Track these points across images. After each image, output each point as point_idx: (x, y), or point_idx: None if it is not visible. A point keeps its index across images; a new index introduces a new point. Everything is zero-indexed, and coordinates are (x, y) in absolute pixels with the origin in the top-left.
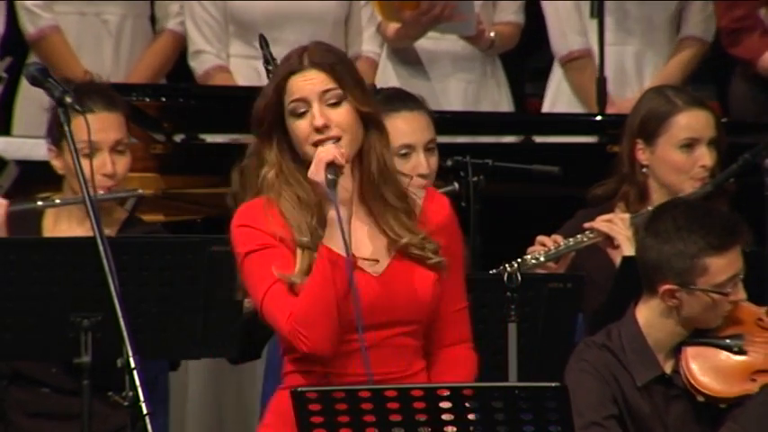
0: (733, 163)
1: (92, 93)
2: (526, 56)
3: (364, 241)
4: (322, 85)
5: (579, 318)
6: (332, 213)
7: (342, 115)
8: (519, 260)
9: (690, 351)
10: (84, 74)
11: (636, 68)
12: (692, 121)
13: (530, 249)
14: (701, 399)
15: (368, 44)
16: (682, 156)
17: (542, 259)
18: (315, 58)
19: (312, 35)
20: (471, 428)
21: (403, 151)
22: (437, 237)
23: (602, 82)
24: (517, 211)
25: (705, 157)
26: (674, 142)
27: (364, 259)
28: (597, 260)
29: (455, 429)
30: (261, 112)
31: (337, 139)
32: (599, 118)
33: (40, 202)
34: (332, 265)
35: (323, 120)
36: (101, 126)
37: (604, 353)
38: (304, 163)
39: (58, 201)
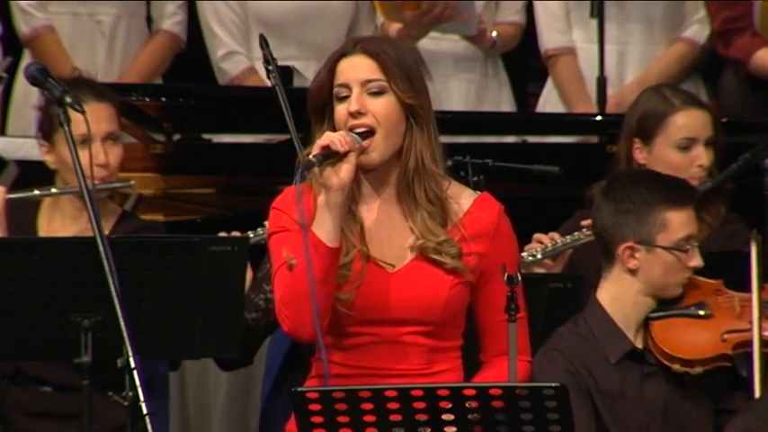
0: (733, 163)
1: (81, 86)
2: (529, 55)
3: (390, 236)
4: (366, 72)
5: None
6: (320, 198)
7: (380, 106)
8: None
9: (657, 324)
10: (73, 70)
11: (634, 68)
12: (689, 121)
13: (527, 247)
14: (676, 366)
15: None
16: (679, 155)
17: (539, 256)
18: (366, 45)
19: (332, 34)
20: (471, 428)
21: None
22: (473, 243)
23: (602, 82)
24: (517, 211)
25: (702, 156)
26: (671, 142)
27: (381, 261)
28: (596, 261)
29: (455, 430)
30: (312, 95)
31: (370, 130)
32: (599, 118)
33: (36, 191)
34: (314, 249)
35: (357, 105)
36: (91, 117)
37: (573, 337)
38: None
39: (54, 190)
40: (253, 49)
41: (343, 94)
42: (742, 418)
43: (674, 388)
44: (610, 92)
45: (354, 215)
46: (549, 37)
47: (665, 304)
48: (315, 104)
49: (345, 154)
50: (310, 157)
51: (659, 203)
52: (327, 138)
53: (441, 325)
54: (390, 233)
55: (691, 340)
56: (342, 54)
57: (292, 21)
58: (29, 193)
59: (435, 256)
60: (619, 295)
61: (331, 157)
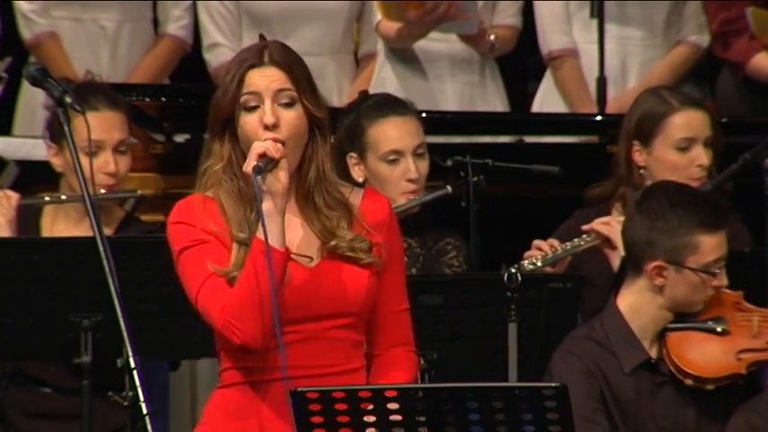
0: (732, 163)
1: (96, 92)
2: (528, 56)
3: (299, 240)
4: (278, 83)
5: (579, 318)
6: (265, 205)
7: (291, 118)
8: (516, 266)
9: (673, 336)
10: (86, 73)
11: (636, 69)
12: (687, 121)
13: (527, 254)
14: (688, 382)
15: (381, 43)
16: (678, 156)
17: (539, 264)
18: (275, 56)
19: (326, 32)
20: (471, 428)
21: (392, 157)
22: (374, 234)
23: (602, 82)
24: (517, 211)
25: (702, 156)
26: (670, 143)
27: (300, 255)
28: (595, 262)
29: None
30: (218, 106)
31: (282, 143)
32: (599, 118)
33: (47, 197)
34: (264, 256)
35: (274, 118)
36: (105, 125)
37: (589, 343)
38: (246, 158)
39: (63, 197)
40: (244, 44)
41: (252, 104)
42: (744, 416)
43: (686, 399)
44: (611, 92)
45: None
46: (554, 38)
47: (683, 317)
48: (221, 115)
49: (279, 160)
50: (254, 164)
51: (694, 227)
52: (261, 146)
53: (360, 316)
54: (297, 236)
55: (705, 357)
56: (250, 65)
57: (279, 18)
58: (40, 200)
59: (349, 254)
60: (639, 306)
61: (269, 164)
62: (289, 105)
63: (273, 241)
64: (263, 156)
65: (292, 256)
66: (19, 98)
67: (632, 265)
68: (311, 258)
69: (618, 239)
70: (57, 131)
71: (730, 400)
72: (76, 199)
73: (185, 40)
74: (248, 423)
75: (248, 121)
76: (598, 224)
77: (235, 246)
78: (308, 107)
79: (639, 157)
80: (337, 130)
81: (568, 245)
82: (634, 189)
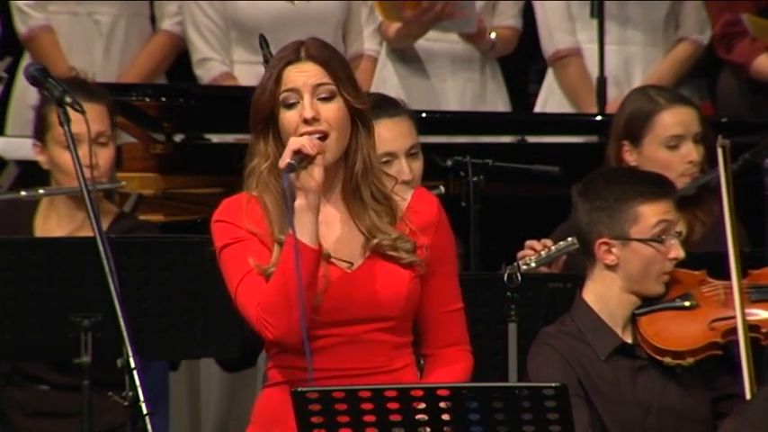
0: (732, 163)
1: (73, 86)
2: (530, 56)
3: (341, 238)
4: (316, 78)
5: None
6: (297, 202)
7: (332, 111)
8: (510, 266)
9: (644, 319)
10: (69, 70)
11: (636, 68)
12: (676, 118)
13: (520, 254)
14: (667, 359)
15: (368, 42)
16: (668, 153)
17: (533, 265)
18: (311, 52)
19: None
20: (471, 428)
21: (385, 159)
22: (420, 236)
23: (602, 82)
24: (517, 211)
25: (692, 152)
26: (659, 141)
27: (339, 260)
28: None
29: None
30: (257, 104)
31: (324, 135)
32: (599, 118)
33: (23, 192)
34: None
35: (312, 112)
36: (80, 118)
37: (563, 338)
38: None
39: (42, 191)
40: (234, 53)
41: (292, 101)
42: (733, 422)
43: (666, 380)
44: (611, 92)
45: None
46: (560, 38)
47: (650, 301)
48: (262, 114)
49: (314, 157)
50: (288, 161)
51: (631, 198)
52: (297, 142)
53: (401, 320)
54: (340, 234)
55: (679, 332)
56: (287, 62)
57: (268, 25)
58: (15, 195)
59: (392, 253)
60: (603, 294)
61: (303, 160)
62: (328, 99)
63: (305, 238)
64: (297, 152)
65: (332, 259)
66: (12, 97)
67: (584, 252)
68: (351, 264)
69: None
70: (39, 129)
71: (709, 374)
72: (53, 192)
73: (181, 36)
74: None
75: (288, 118)
76: None
77: (276, 245)
78: (348, 100)
79: (630, 156)
80: None
81: (561, 244)
82: None
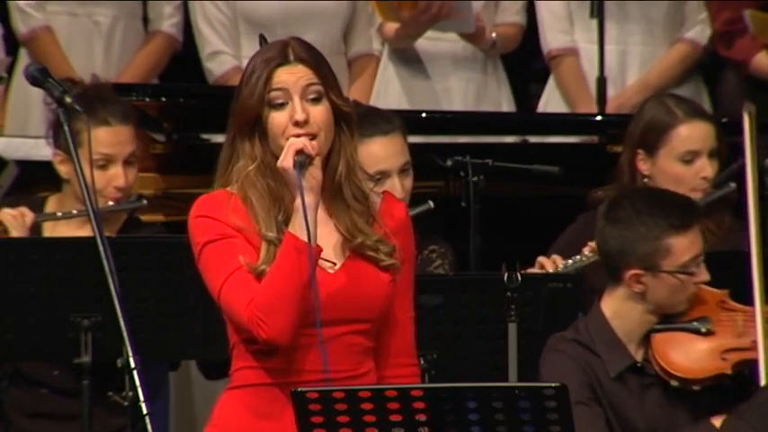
0: (733, 163)
1: (106, 103)
2: (531, 56)
3: (322, 238)
4: (306, 79)
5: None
6: (297, 201)
7: (320, 113)
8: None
9: (658, 337)
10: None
11: (634, 68)
12: (692, 133)
13: (529, 271)
14: (674, 383)
15: (375, 42)
16: (683, 168)
17: None
18: (299, 53)
19: (324, 34)
20: (471, 428)
21: (377, 177)
22: (391, 238)
23: (602, 82)
24: (517, 211)
25: (706, 168)
26: (675, 155)
27: (323, 260)
28: (600, 270)
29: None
30: (245, 107)
31: (312, 137)
32: (599, 118)
33: (59, 213)
34: (297, 252)
35: (304, 114)
36: (117, 140)
37: (575, 346)
38: (276, 156)
39: (74, 212)
40: (242, 49)
41: (280, 101)
42: (731, 423)
43: (675, 398)
44: (611, 92)
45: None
46: (554, 37)
47: (668, 318)
48: (249, 116)
49: (314, 157)
50: (296, 159)
51: (663, 231)
52: (299, 143)
53: (375, 323)
54: (320, 234)
55: (689, 358)
56: (277, 64)
57: (279, 21)
58: (53, 216)
59: (372, 254)
60: (623, 312)
61: (306, 160)
62: (316, 101)
63: (307, 237)
64: (300, 152)
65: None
66: (9, 95)
67: (610, 274)
68: (334, 264)
69: None
70: (63, 138)
71: (720, 398)
72: (85, 214)
73: (176, 37)
74: (270, 426)
75: (277, 118)
76: None
77: (264, 245)
78: (334, 101)
79: (644, 165)
80: None
81: (570, 261)
82: None
